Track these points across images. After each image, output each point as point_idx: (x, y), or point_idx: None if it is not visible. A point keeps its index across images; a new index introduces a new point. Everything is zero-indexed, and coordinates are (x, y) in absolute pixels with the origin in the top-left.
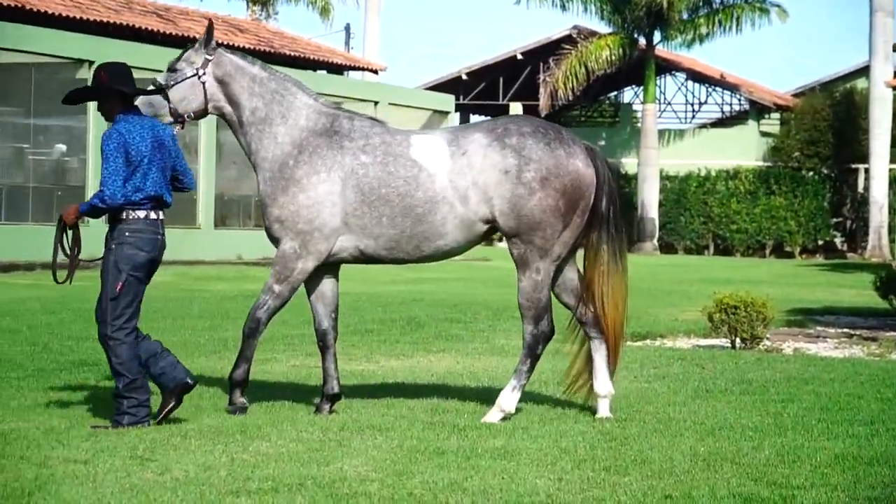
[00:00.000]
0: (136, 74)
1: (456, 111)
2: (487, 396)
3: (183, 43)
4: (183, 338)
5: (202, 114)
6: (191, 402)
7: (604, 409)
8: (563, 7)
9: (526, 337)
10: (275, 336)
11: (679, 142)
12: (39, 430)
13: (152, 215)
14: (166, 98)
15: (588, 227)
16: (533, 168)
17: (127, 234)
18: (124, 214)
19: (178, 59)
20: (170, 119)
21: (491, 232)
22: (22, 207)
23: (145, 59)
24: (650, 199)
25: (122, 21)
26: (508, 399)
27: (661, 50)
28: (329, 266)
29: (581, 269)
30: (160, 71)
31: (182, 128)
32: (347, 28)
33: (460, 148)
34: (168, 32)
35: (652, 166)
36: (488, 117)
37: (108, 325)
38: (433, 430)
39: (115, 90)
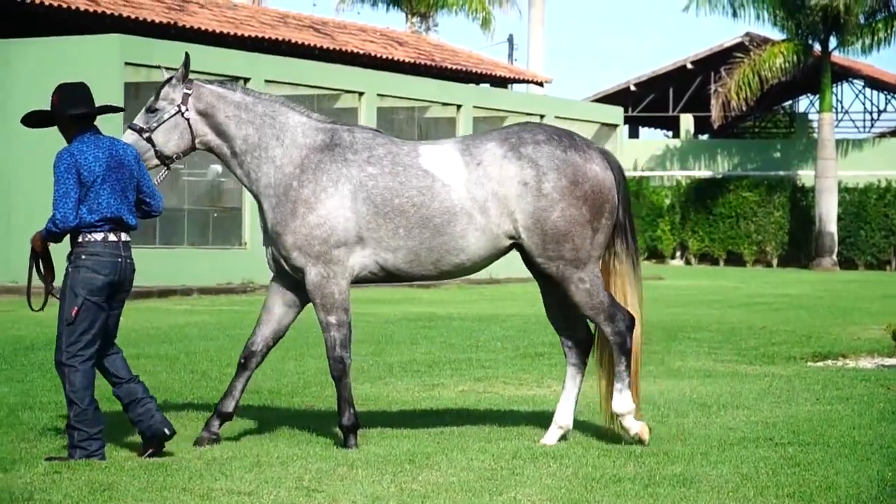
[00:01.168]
0: (294, 91)
1: (624, 123)
2: (664, 420)
3: (340, 58)
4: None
5: (189, 151)
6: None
7: (550, 438)
8: (735, 14)
9: (610, 339)
10: (440, 361)
11: (858, 152)
12: (202, 461)
13: (111, 237)
14: (116, 111)
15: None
16: (552, 178)
17: (83, 257)
18: (81, 237)
19: (156, 98)
20: (155, 163)
21: (510, 249)
22: (177, 231)
23: (302, 75)
24: (828, 213)
25: (277, 36)
26: (622, 402)
27: (837, 56)
28: (299, 295)
29: None
30: (317, 87)
31: (168, 170)
32: (510, 39)
33: (474, 158)
34: (325, 47)
35: (830, 178)
36: (659, 130)
37: (63, 351)
38: (609, 457)
39: (66, 114)
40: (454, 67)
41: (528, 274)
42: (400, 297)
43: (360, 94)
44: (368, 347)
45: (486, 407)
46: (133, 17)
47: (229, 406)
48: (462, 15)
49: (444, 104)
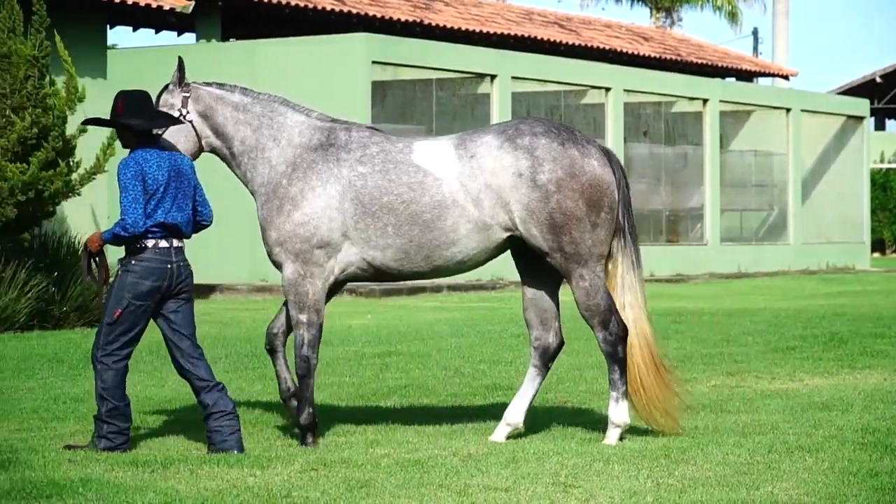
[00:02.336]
0: (540, 87)
1: (870, 115)
2: None
3: (585, 53)
4: (598, 359)
5: (197, 154)
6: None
7: (500, 435)
8: None
9: (601, 346)
10: (692, 356)
11: None
12: (457, 458)
13: (162, 244)
14: (177, 123)
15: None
16: (547, 169)
17: (133, 262)
18: (133, 243)
19: (155, 106)
20: None
21: (508, 245)
22: None
23: (548, 72)
24: None
25: (523, 33)
26: (618, 412)
27: None
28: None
29: None
30: (563, 83)
31: None
32: (755, 33)
33: (468, 151)
34: (570, 43)
35: None
36: None
37: (100, 348)
38: (865, 451)
39: (131, 125)
40: (700, 62)
41: (775, 268)
42: (648, 293)
43: (607, 89)
44: None
45: (738, 401)
46: (379, 15)
47: (290, 385)
48: (707, 9)
49: (691, 99)
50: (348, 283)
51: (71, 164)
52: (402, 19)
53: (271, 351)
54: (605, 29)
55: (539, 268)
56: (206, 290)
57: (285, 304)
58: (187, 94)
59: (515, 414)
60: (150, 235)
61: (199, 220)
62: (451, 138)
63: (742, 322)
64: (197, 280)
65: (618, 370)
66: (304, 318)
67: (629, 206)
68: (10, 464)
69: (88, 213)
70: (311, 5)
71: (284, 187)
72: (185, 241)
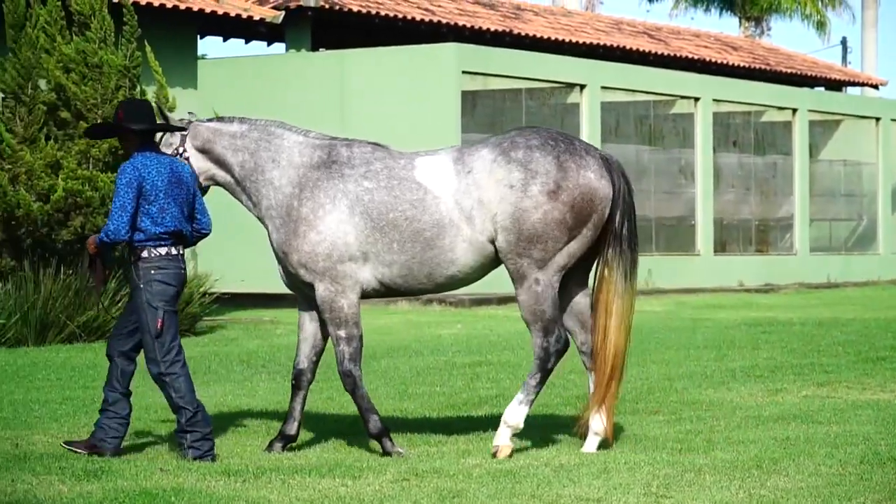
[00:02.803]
0: (629, 97)
1: None
2: None
3: (674, 63)
4: (689, 368)
5: (199, 188)
6: (700, 436)
7: (590, 446)
8: None
9: (536, 350)
10: (782, 366)
11: None
12: (549, 468)
13: (173, 251)
14: (179, 130)
15: (599, 244)
16: (540, 181)
17: (153, 271)
18: (146, 252)
19: (158, 144)
20: None
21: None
22: None
23: (637, 81)
24: None
25: (612, 43)
26: (514, 413)
27: None
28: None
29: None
30: (652, 93)
31: None
32: (844, 42)
33: (466, 166)
34: (659, 52)
35: None
36: None
37: (160, 363)
38: None
39: (128, 128)
40: (788, 71)
41: (864, 278)
42: (737, 303)
43: (696, 99)
44: (710, 353)
45: (829, 412)
46: (469, 25)
47: (292, 429)
48: (795, 19)
49: (780, 108)
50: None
51: None
52: (492, 29)
53: (295, 387)
54: (694, 38)
55: (566, 275)
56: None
57: (297, 337)
58: (185, 133)
59: (598, 423)
60: (162, 243)
61: (198, 229)
62: (452, 152)
63: (832, 332)
64: (274, 290)
65: (538, 377)
66: (343, 333)
67: (631, 215)
68: (103, 473)
69: None
70: (400, 15)
71: (296, 209)
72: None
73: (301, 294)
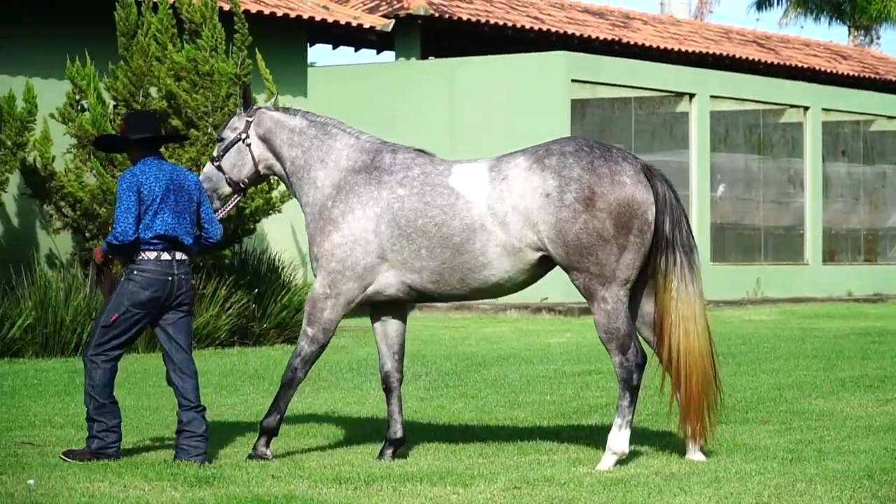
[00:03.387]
0: (739, 106)
1: None
2: None
3: (783, 72)
4: (798, 378)
5: (255, 177)
6: (810, 446)
7: (696, 455)
8: None
9: (617, 370)
10: (893, 376)
11: None
12: (659, 476)
13: (164, 256)
14: (181, 140)
15: (653, 252)
16: (574, 188)
17: (135, 272)
18: (136, 254)
19: (223, 128)
20: (228, 190)
21: (547, 262)
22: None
23: (746, 90)
24: None
25: (721, 51)
26: (618, 440)
27: None
28: (394, 306)
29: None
30: (762, 102)
31: (243, 196)
32: None
33: (500, 173)
34: (768, 61)
35: None
36: None
37: (92, 346)
38: None
39: (129, 139)
40: None
41: None
42: (846, 312)
43: (805, 108)
44: (819, 363)
45: None
46: (578, 34)
47: (397, 431)
48: None
49: (889, 117)
50: (545, 301)
51: (271, 181)
52: (601, 37)
53: (386, 390)
54: (804, 47)
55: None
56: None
57: (376, 341)
58: (251, 119)
59: (689, 430)
60: (151, 247)
61: (205, 237)
62: (490, 160)
63: None
64: None
65: (628, 397)
66: (310, 331)
67: (680, 222)
68: (215, 479)
69: (288, 230)
70: (510, 23)
71: (329, 209)
72: (188, 255)
73: (384, 300)
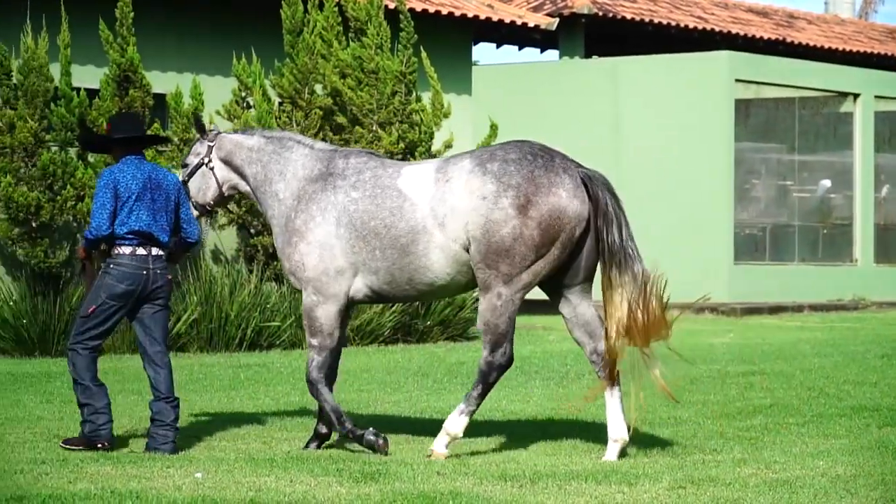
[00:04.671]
0: None
1: None
2: None
3: None
4: None
5: (220, 198)
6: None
7: (611, 454)
8: None
9: (480, 362)
10: None
11: None
12: (826, 478)
13: (139, 251)
14: (162, 142)
15: (597, 260)
16: (511, 195)
17: (112, 266)
18: (112, 249)
19: (187, 154)
20: (196, 213)
21: None
22: (787, 247)
23: None
24: None
25: (886, 51)
26: (455, 423)
27: None
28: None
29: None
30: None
31: (211, 217)
32: None
33: (446, 175)
34: None
35: None
36: None
37: (73, 336)
38: None
39: (113, 138)
40: None
41: None
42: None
43: None
44: None
45: None
46: (742, 33)
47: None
48: None
49: None
50: (708, 301)
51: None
52: (765, 37)
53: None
54: None
55: (565, 286)
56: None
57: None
58: (212, 143)
59: (617, 430)
60: (126, 242)
61: (183, 238)
62: (437, 162)
63: None
64: (546, 297)
65: (480, 389)
66: (315, 342)
67: (620, 229)
68: (380, 475)
69: None
70: (674, 23)
71: (292, 220)
72: (163, 251)
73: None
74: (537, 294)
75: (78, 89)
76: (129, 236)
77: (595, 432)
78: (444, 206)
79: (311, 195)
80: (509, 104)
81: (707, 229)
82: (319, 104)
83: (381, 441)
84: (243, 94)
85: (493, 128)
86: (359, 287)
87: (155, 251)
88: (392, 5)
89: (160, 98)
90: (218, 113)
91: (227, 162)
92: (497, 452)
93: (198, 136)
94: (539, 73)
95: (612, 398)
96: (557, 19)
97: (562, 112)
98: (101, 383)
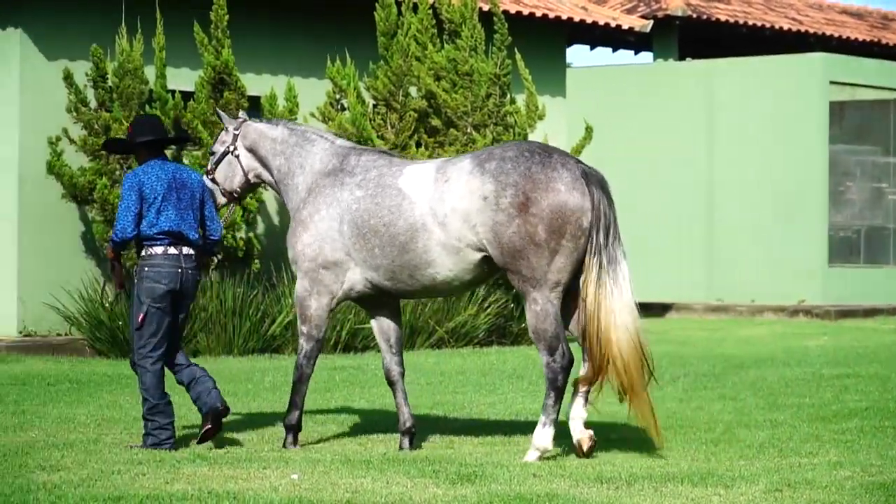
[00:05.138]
0: None
1: None
2: None
3: None
4: None
5: (247, 185)
6: None
7: (532, 456)
8: None
9: (544, 370)
10: None
11: None
12: None
13: (171, 250)
14: (185, 142)
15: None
16: (510, 193)
17: (146, 268)
18: (144, 251)
19: (214, 142)
20: (224, 200)
21: (491, 262)
22: (882, 249)
23: None
24: None
25: None
26: (541, 436)
27: None
28: (386, 304)
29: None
30: None
31: (239, 204)
32: None
33: (444, 175)
34: None
35: None
36: None
37: (135, 352)
38: None
39: (136, 142)
40: None
41: None
42: None
43: None
44: None
45: None
46: (836, 35)
47: (407, 422)
48: None
49: None
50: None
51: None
52: (859, 39)
53: (390, 383)
54: None
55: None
56: (662, 309)
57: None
58: (237, 132)
59: (541, 439)
60: (158, 242)
61: (207, 235)
62: (438, 162)
63: None
64: (652, 298)
65: (553, 397)
66: (304, 329)
67: (608, 229)
68: (477, 477)
69: None
70: (768, 24)
71: (300, 211)
72: (194, 249)
73: (357, 299)
74: (643, 296)
75: (173, 91)
76: (160, 236)
77: (689, 434)
78: (443, 206)
79: (320, 189)
80: (603, 106)
81: (802, 232)
82: (414, 106)
83: (290, 443)
84: (337, 96)
85: (588, 130)
86: (358, 279)
87: (186, 250)
88: (486, 7)
89: (255, 100)
90: (312, 115)
91: (251, 151)
92: (592, 454)
93: (224, 125)
94: (633, 76)
95: (578, 399)
96: (651, 21)
97: (656, 114)
98: (168, 400)
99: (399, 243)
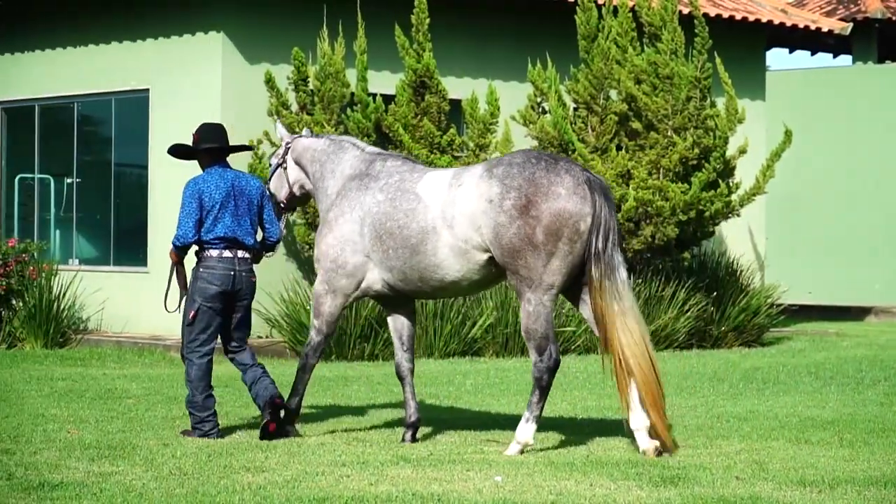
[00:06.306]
0: None
1: None
2: None
3: None
4: None
5: (291, 197)
6: None
7: (643, 442)
8: None
9: (532, 368)
10: None
11: None
12: None
13: (226, 254)
14: (246, 150)
15: (584, 263)
16: (513, 196)
17: (201, 270)
18: (201, 254)
19: (271, 156)
20: (279, 210)
21: (497, 264)
22: None
23: None
24: None
25: None
26: (524, 431)
27: None
28: (401, 302)
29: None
30: None
31: (290, 213)
32: None
33: (458, 180)
34: None
35: None
36: None
37: (185, 346)
38: None
39: (200, 149)
40: None
41: None
42: None
43: None
44: None
45: None
46: None
47: (413, 416)
48: None
49: None
50: None
51: (731, 184)
52: None
53: (399, 377)
54: None
55: (581, 287)
56: (861, 313)
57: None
58: (289, 146)
59: (637, 419)
60: (214, 247)
61: (266, 238)
62: (456, 169)
63: None
64: (851, 301)
65: (538, 395)
66: (316, 323)
67: (606, 238)
68: (680, 479)
69: (746, 233)
70: None
71: (328, 213)
72: (249, 253)
73: (375, 295)
74: (828, 300)
75: (374, 95)
76: (216, 241)
77: (893, 437)
78: (453, 209)
79: (346, 192)
80: (803, 110)
81: None
82: (614, 110)
83: (294, 432)
84: (538, 99)
85: (788, 134)
86: (376, 279)
87: (241, 254)
88: (686, 10)
89: (455, 103)
90: (513, 118)
91: (298, 163)
92: (796, 457)
93: (281, 139)
94: (832, 79)
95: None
96: (851, 24)
97: (855, 117)
98: (210, 394)
99: (410, 245)
